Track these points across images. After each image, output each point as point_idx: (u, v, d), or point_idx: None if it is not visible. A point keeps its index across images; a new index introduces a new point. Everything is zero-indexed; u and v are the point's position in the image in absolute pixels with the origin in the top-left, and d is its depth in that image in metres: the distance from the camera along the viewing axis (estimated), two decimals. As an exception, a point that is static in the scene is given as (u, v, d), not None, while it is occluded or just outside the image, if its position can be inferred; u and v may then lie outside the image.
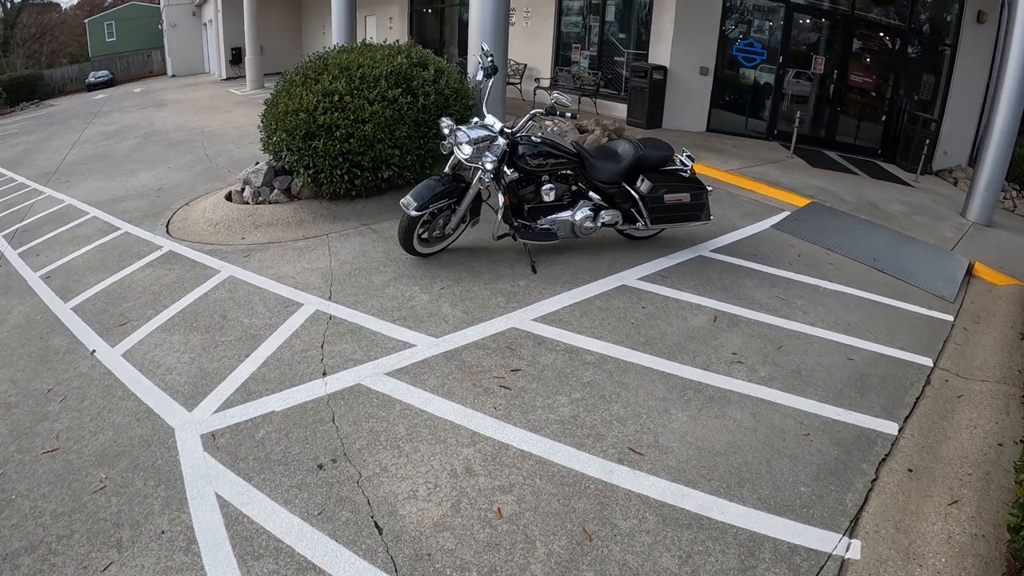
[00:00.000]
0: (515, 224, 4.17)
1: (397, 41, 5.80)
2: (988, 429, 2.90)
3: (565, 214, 4.27)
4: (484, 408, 2.91)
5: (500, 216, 4.13)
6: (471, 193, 4.12)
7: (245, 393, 3.06)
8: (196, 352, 3.45)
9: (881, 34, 9.99)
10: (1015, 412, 3.04)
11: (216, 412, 2.94)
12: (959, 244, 5.74)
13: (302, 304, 3.87)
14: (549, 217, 4.24)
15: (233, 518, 2.34)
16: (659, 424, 2.84)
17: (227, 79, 20.98)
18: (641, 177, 4.34)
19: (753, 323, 3.75)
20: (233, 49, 20.85)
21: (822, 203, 6.21)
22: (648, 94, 8.98)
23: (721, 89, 9.46)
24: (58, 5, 38.97)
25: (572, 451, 2.65)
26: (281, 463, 2.60)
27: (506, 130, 4.05)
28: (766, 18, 9.53)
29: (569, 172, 4.27)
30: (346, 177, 5.11)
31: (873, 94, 10.04)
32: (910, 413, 3.05)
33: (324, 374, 3.17)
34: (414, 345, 3.39)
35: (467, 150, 3.90)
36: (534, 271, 4.21)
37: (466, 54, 6.45)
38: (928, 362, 3.53)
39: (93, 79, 26.87)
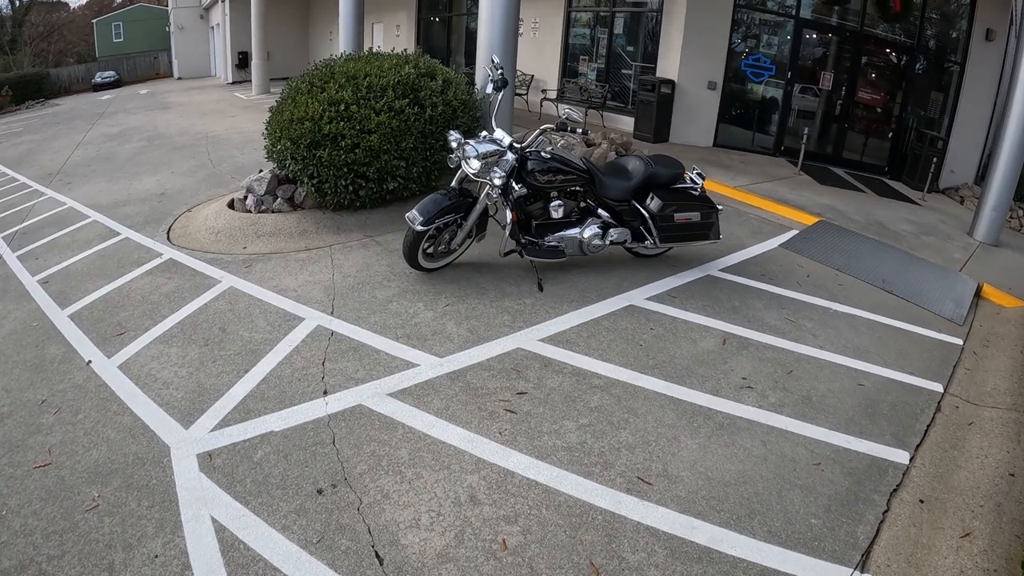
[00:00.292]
0: (522, 241, 4.10)
1: (405, 50, 5.77)
2: (999, 458, 2.84)
3: (573, 231, 4.21)
4: (489, 433, 2.84)
5: (508, 232, 4.06)
6: (478, 208, 4.06)
7: (243, 411, 2.99)
8: (194, 366, 3.38)
9: (889, 51, 9.98)
10: (1029, 443, 2.97)
11: (213, 431, 2.87)
12: (967, 265, 5.68)
13: (303, 318, 3.80)
14: (557, 234, 4.17)
15: (229, 544, 2.27)
16: (668, 452, 2.77)
17: (233, 83, 21.05)
18: (651, 195, 4.27)
19: (763, 346, 3.68)
20: (240, 53, 20.93)
21: (830, 221, 6.16)
22: (655, 108, 8.95)
23: (728, 104, 9.44)
24: (66, 4, 39.23)
25: (579, 480, 2.58)
26: (279, 486, 2.53)
27: (515, 145, 3.98)
28: (774, 33, 9.52)
29: (578, 188, 4.20)
30: (350, 188, 5.05)
31: (880, 111, 10.02)
32: (921, 441, 2.99)
33: (325, 393, 3.10)
34: (417, 364, 3.32)
35: (475, 164, 3.83)
36: (540, 289, 4.14)
37: (473, 64, 6.40)
38: (938, 388, 3.47)
39: (99, 79, 27.09)
